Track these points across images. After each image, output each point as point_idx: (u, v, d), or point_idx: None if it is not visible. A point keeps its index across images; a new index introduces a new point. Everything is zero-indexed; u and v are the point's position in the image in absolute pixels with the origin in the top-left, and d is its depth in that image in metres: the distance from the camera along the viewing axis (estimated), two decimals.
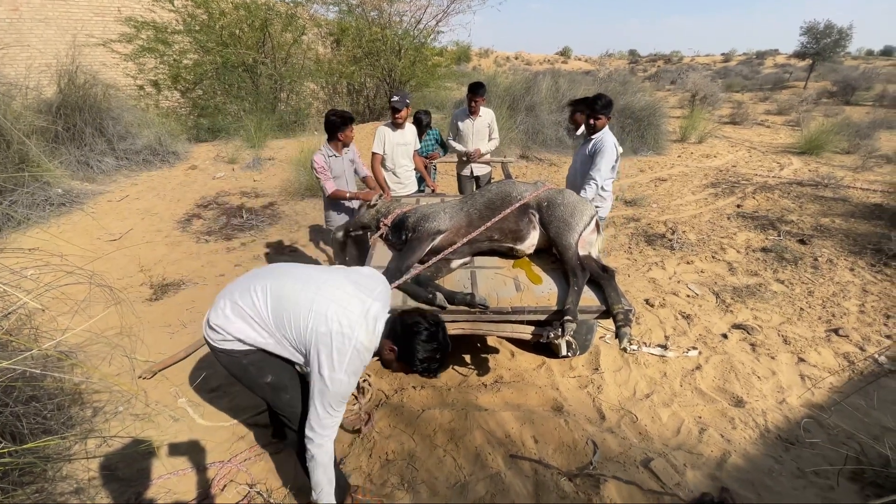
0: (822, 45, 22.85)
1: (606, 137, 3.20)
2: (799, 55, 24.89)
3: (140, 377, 2.94)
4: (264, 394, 1.81)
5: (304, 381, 1.93)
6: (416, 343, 1.53)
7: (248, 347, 1.67)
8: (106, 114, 7.17)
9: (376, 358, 1.66)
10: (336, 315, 1.53)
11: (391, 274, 2.45)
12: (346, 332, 1.52)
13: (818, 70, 24.05)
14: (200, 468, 2.20)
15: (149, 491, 2.13)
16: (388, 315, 1.65)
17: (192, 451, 2.32)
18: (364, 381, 2.69)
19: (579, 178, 3.30)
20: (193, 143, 8.93)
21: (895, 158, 8.35)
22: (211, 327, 1.68)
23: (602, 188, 3.25)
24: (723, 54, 52.46)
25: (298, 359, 1.67)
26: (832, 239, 4.97)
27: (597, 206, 3.34)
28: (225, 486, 2.10)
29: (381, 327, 1.60)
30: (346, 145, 3.27)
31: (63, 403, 2.44)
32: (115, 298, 2.65)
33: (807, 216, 5.70)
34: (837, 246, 4.80)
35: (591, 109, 3.19)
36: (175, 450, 2.34)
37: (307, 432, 1.58)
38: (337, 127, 3.15)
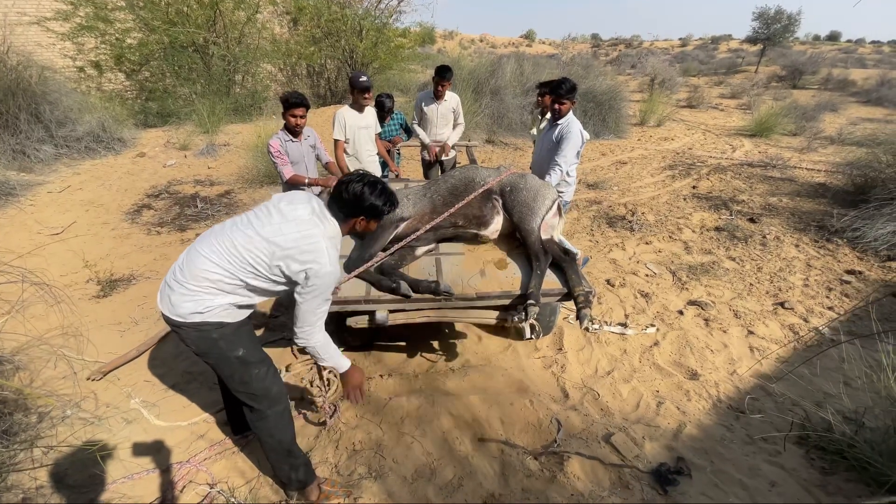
0: (773, 30, 23.77)
1: (572, 123, 3.17)
2: (751, 40, 25.82)
3: (89, 379, 2.78)
4: (233, 370, 1.74)
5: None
6: (371, 200, 1.68)
7: (219, 320, 1.64)
8: (42, 98, 6.64)
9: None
10: (290, 229, 1.62)
11: (354, 263, 2.40)
12: (307, 233, 1.61)
13: (768, 55, 25.04)
14: (157, 470, 2.12)
15: (102, 496, 2.03)
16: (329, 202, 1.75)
17: (148, 453, 2.22)
18: (329, 372, 2.64)
19: (545, 164, 3.27)
20: (141, 128, 8.42)
21: (838, 139, 8.85)
22: (173, 304, 1.61)
23: (567, 174, 3.26)
24: (680, 39, 53.87)
25: (279, 287, 1.72)
26: (779, 217, 5.24)
27: (561, 192, 3.36)
28: (184, 487, 2.03)
29: (330, 215, 1.71)
30: (291, 131, 3.11)
31: (4, 411, 2.28)
32: (55, 297, 2.48)
33: (756, 196, 5.97)
34: (784, 224, 5.06)
35: (555, 94, 3.16)
36: (130, 453, 2.23)
37: (297, 331, 1.71)
38: (283, 107, 3.01)
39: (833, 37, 53.54)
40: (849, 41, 51.92)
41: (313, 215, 1.67)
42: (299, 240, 1.60)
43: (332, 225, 1.70)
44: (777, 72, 20.80)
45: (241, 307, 1.71)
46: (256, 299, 1.75)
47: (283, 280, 1.67)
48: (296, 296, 1.67)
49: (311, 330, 1.71)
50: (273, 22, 11.38)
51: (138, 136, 7.81)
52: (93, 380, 2.78)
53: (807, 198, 5.84)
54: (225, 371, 1.75)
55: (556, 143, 3.20)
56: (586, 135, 3.28)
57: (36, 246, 4.39)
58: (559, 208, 2.73)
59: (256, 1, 10.29)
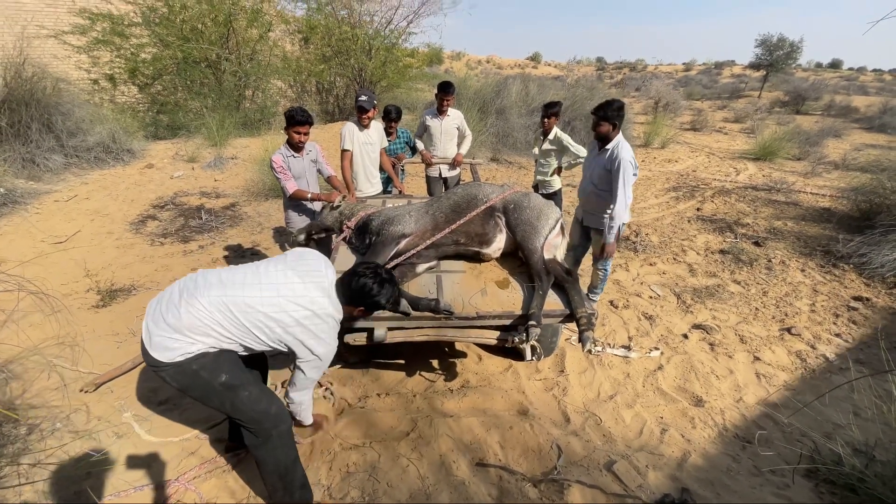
0: (775, 56, 24.07)
1: (622, 150, 2.89)
2: (754, 66, 26.14)
3: (81, 391, 2.73)
4: (221, 399, 1.69)
5: (254, 363, 2.00)
6: (375, 297, 1.75)
7: (199, 352, 1.61)
8: (55, 109, 6.75)
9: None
10: (302, 305, 1.66)
11: None
12: (318, 314, 1.68)
13: (771, 81, 25.33)
14: (146, 487, 2.06)
15: None
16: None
17: (138, 470, 2.17)
18: (326, 389, 2.60)
19: (595, 188, 3.11)
20: (151, 140, 8.53)
21: (842, 165, 8.84)
22: (165, 347, 1.58)
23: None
24: (684, 63, 54.65)
25: (277, 350, 1.76)
26: (784, 241, 5.19)
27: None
28: None
29: (337, 298, 1.76)
30: (293, 146, 3.12)
31: None
32: (52, 306, 2.47)
33: (761, 219, 5.94)
34: (789, 248, 5.02)
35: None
36: (119, 468, 2.18)
37: (290, 394, 1.86)
38: (286, 123, 3.04)
39: (835, 64, 54.23)
40: (850, 69, 52.60)
41: (328, 296, 1.71)
42: (308, 318, 1.66)
43: (338, 306, 1.75)
44: (780, 97, 20.99)
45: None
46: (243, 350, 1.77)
47: (285, 349, 1.73)
48: (298, 363, 1.75)
49: (305, 392, 1.87)
50: (285, 40, 11.61)
51: (148, 148, 7.90)
52: (85, 392, 2.73)
53: (812, 222, 5.80)
54: (214, 402, 1.70)
55: (607, 172, 2.95)
56: (635, 163, 2.97)
57: (39, 254, 4.40)
58: (562, 228, 2.71)
59: (269, 19, 10.53)
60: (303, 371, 1.76)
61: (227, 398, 1.69)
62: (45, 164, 6.41)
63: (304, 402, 1.90)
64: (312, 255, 1.83)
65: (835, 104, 18.82)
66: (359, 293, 1.73)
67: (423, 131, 4.40)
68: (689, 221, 5.92)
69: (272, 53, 10.89)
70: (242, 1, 9.96)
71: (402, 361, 2.94)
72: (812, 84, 22.89)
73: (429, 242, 2.50)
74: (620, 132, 3.00)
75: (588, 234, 3.43)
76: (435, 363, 2.96)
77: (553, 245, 2.63)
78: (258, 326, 1.63)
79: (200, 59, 9.53)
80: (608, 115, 2.89)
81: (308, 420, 2.03)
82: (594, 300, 3.63)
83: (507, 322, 2.26)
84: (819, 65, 55.28)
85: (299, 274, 1.71)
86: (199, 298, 1.60)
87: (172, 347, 1.57)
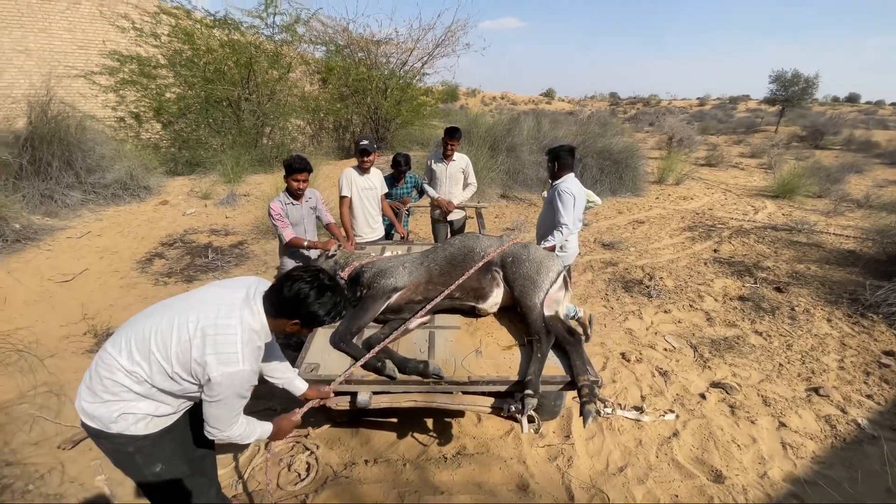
0: (791, 92, 23.94)
1: (564, 182, 3.22)
2: (769, 101, 26.03)
3: (59, 447, 2.63)
4: (149, 486, 1.59)
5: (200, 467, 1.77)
6: (311, 307, 1.44)
7: (136, 433, 1.46)
8: (76, 146, 6.98)
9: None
10: (208, 312, 1.40)
11: (340, 335, 2.26)
12: (224, 321, 1.39)
13: (787, 115, 25.11)
14: None
15: None
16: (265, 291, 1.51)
17: None
18: (311, 454, 2.44)
19: (543, 225, 3.39)
20: (169, 176, 8.74)
21: (865, 203, 8.53)
22: (86, 412, 1.44)
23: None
24: (698, 98, 54.83)
25: (194, 390, 1.48)
26: (808, 287, 4.92)
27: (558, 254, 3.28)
28: None
29: (261, 305, 1.46)
30: (292, 194, 3.09)
31: None
32: (30, 365, 2.40)
33: (782, 262, 5.68)
34: (813, 294, 4.74)
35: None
36: None
37: (209, 430, 1.48)
38: (285, 171, 3.01)
39: (852, 98, 53.79)
40: (868, 103, 52.10)
41: (246, 300, 1.46)
42: (214, 328, 1.37)
43: (259, 317, 1.46)
44: (797, 132, 20.72)
45: (162, 416, 1.51)
46: (178, 405, 1.53)
47: (192, 379, 1.41)
48: (203, 396, 1.43)
49: (230, 428, 1.49)
50: (304, 80, 12.03)
51: (164, 184, 8.09)
52: (63, 449, 2.62)
53: (836, 266, 5.52)
54: (144, 488, 1.60)
55: (549, 204, 3.29)
56: (592, 196, 3.46)
57: (43, 293, 4.42)
58: (565, 281, 2.57)
59: (289, 61, 10.94)
60: (211, 404, 1.41)
61: (155, 489, 1.59)
62: (63, 200, 6.57)
63: (237, 431, 1.51)
64: (240, 278, 1.58)
65: (854, 139, 18.49)
66: (293, 301, 1.42)
67: (431, 176, 4.35)
68: (705, 264, 5.69)
69: (291, 93, 11.24)
70: (265, 44, 10.39)
71: (395, 420, 2.76)
72: (830, 118, 22.66)
73: (421, 298, 2.37)
74: (572, 172, 3.27)
75: None
76: (430, 423, 2.77)
77: (555, 300, 2.48)
78: (160, 350, 1.37)
79: (222, 99, 9.89)
80: (557, 156, 3.22)
81: (266, 430, 1.63)
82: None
83: (503, 389, 2.09)
84: (836, 99, 54.90)
85: (216, 286, 1.51)
86: (106, 349, 1.44)
87: (97, 415, 1.42)
